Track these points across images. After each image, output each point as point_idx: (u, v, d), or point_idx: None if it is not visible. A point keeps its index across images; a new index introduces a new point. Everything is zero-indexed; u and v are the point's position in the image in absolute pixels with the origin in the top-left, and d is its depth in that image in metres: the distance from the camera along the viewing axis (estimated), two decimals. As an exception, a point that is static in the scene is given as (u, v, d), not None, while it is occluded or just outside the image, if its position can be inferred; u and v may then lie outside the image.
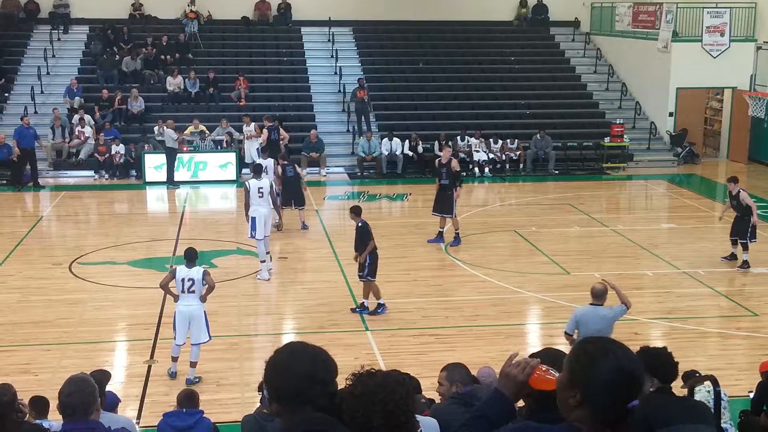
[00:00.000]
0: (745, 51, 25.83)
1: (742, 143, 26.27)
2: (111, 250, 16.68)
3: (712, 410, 6.23)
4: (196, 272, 10.65)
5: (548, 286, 14.62)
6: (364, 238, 13.00)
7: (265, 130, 22.60)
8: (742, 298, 14.02)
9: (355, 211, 13.26)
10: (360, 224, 13.05)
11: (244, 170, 23.33)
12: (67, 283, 14.61)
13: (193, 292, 10.60)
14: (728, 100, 26.89)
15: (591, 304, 9.61)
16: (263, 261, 14.88)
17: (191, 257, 10.87)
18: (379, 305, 13.04)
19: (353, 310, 13.05)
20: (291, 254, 16.69)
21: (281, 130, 23.19)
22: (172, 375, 10.72)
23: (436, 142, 23.80)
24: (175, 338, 10.73)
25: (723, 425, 7.13)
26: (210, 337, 10.80)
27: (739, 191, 15.64)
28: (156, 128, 23.77)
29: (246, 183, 15.34)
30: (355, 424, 3.32)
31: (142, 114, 25.02)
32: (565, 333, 9.67)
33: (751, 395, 8.73)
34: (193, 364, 10.65)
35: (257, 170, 15.79)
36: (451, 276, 15.23)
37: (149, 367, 11.12)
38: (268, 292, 14.40)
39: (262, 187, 15.04)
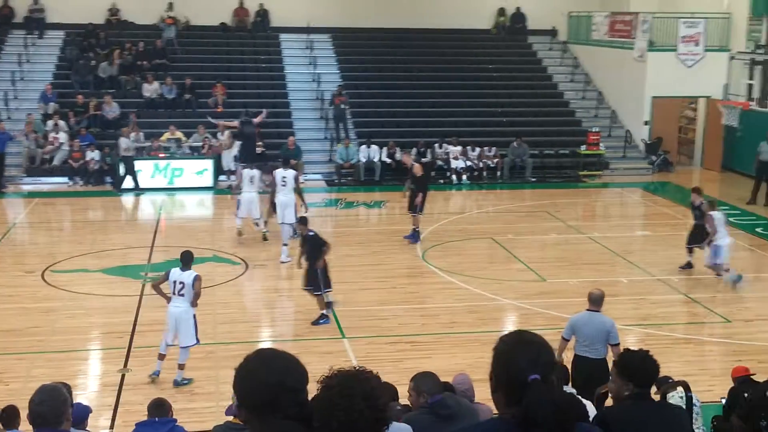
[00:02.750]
0: (719, 61, 26.10)
1: (716, 152, 26.51)
2: (85, 257, 16.54)
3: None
4: (188, 276, 10.73)
5: (525, 293, 14.66)
6: (317, 246, 12.92)
7: (236, 122, 23.22)
8: (715, 305, 14.13)
9: (303, 222, 13.56)
10: (310, 234, 13.01)
11: (221, 177, 23.26)
12: (40, 291, 14.46)
13: (183, 295, 10.70)
14: (702, 109, 27.14)
15: (588, 309, 9.58)
16: (285, 244, 16.30)
17: (186, 260, 10.97)
18: (322, 316, 12.98)
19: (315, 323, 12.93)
20: (268, 261, 16.62)
21: (259, 117, 23.45)
22: (155, 374, 10.74)
23: (414, 149, 23.83)
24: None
25: (696, 431, 7.16)
26: (198, 341, 10.85)
27: (701, 203, 15.75)
28: (132, 134, 23.69)
29: (273, 172, 17.04)
30: (334, 416, 3.33)
31: (117, 120, 24.86)
32: (562, 338, 9.61)
33: (723, 401, 8.79)
34: (180, 366, 10.71)
35: (286, 162, 18.57)
36: (428, 283, 15.24)
37: (123, 376, 11.02)
38: (245, 300, 14.33)
39: (285, 177, 16.63)
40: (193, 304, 10.75)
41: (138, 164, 22.70)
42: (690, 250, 15.92)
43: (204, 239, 18.16)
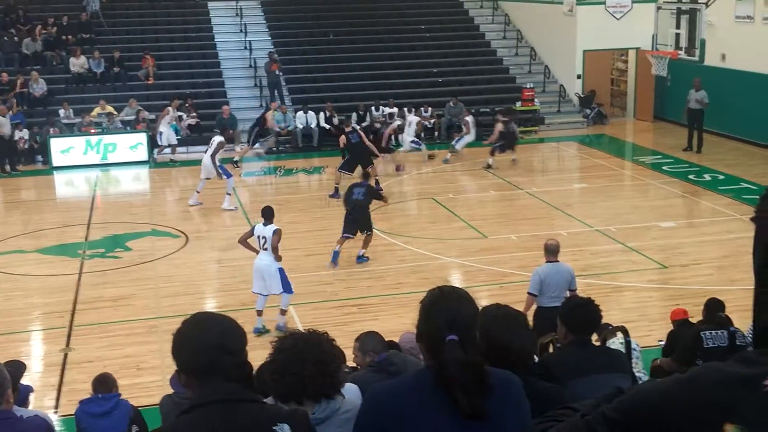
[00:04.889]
0: (646, 11, 26.39)
1: (648, 102, 26.95)
2: (20, 238, 16.19)
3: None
4: (269, 230, 11.28)
5: (467, 250, 14.80)
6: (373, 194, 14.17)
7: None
8: (652, 252, 14.45)
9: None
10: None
11: (155, 150, 22.90)
12: (-25, 275, 14.13)
13: (266, 249, 11.27)
14: (633, 60, 27.52)
15: (549, 261, 9.73)
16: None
17: (267, 215, 11.46)
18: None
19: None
20: (208, 233, 16.48)
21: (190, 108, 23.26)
22: (255, 331, 11.07)
23: (354, 114, 23.75)
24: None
25: (636, 374, 7.34)
26: (283, 290, 11.28)
27: None
28: (62, 111, 23.14)
29: None
30: (284, 383, 3.34)
31: (45, 97, 24.23)
32: (529, 293, 9.71)
33: (662, 344, 9.03)
34: (282, 312, 11.37)
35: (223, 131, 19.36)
36: (371, 246, 15.23)
37: (65, 355, 10.87)
38: (187, 272, 14.19)
39: None
40: (277, 259, 11.28)
41: (69, 141, 22.22)
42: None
43: (141, 214, 17.90)
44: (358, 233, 14.09)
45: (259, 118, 22.98)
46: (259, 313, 11.41)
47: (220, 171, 17.66)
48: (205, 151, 17.97)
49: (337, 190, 18.08)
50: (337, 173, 18.56)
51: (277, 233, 11.27)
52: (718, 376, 1.48)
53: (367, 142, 18.63)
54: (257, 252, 11.46)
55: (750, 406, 1.41)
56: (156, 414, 6.80)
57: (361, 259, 14.19)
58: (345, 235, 13.99)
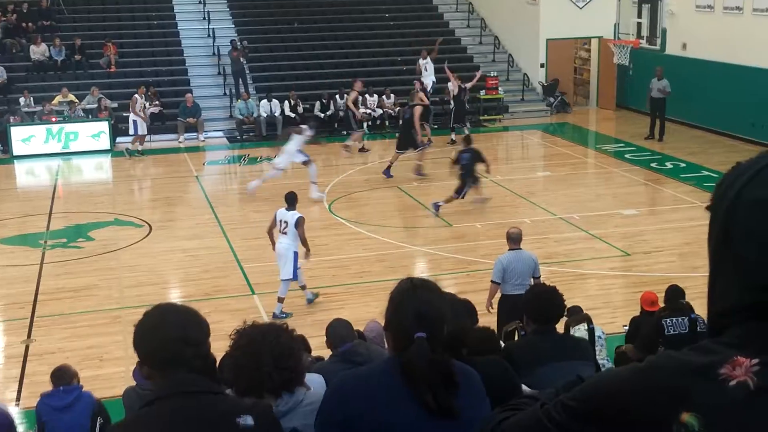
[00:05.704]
0: (609, 1, 26.61)
1: (610, 91, 27.17)
2: (-21, 228, 15.94)
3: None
4: (292, 216, 11.35)
5: (432, 239, 14.85)
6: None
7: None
8: (615, 240, 14.60)
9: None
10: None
11: (119, 139, 22.63)
12: (-66, 266, 13.90)
13: (286, 233, 11.33)
14: (595, 49, 27.71)
15: (511, 249, 9.78)
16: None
17: (290, 201, 11.51)
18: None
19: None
20: (171, 222, 16.36)
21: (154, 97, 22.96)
22: (275, 317, 11.20)
23: (318, 102, 23.66)
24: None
25: (600, 361, 7.43)
26: (292, 276, 11.37)
27: None
28: (22, 99, 22.79)
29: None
30: (242, 378, 3.32)
31: (5, 85, 23.83)
32: (493, 282, 9.76)
33: (626, 329, 9.13)
34: (279, 300, 11.38)
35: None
36: (337, 234, 15.25)
37: (27, 346, 10.74)
38: (150, 262, 14.07)
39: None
40: (305, 245, 11.38)
41: (30, 129, 21.91)
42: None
43: (104, 203, 17.71)
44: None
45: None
46: (280, 299, 11.46)
47: (304, 158, 17.35)
48: (288, 144, 17.33)
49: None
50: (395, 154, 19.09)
51: (300, 222, 11.31)
52: (674, 365, 1.50)
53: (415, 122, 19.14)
54: (274, 245, 11.54)
55: (705, 395, 1.43)
56: (120, 406, 6.75)
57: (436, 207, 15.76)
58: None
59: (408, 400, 2.69)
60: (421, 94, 20.43)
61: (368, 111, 24.11)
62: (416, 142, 19.02)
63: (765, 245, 1.45)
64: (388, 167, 18.99)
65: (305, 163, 17.32)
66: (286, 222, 11.39)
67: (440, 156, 20.03)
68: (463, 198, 15.98)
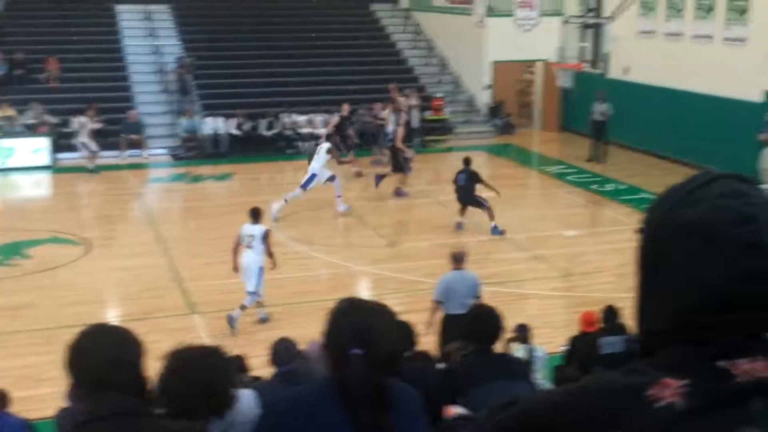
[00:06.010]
0: (553, 25, 27.07)
1: (554, 113, 27.58)
2: None
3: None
4: (258, 230, 11.57)
5: (375, 258, 14.85)
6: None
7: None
8: (556, 260, 14.76)
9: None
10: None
11: (58, 155, 22.21)
12: None
13: (252, 247, 11.49)
14: (540, 72, 28.13)
15: (454, 269, 9.80)
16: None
17: (255, 215, 11.67)
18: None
19: None
20: (111, 240, 16.09)
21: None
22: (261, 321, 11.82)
23: (263, 121, 23.55)
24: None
25: (539, 381, 7.48)
26: (255, 290, 11.56)
27: None
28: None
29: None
30: (174, 401, 3.25)
31: (-58, 99, 23.25)
32: (434, 301, 9.77)
33: (565, 349, 9.22)
34: (242, 307, 11.55)
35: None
36: (279, 253, 15.07)
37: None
38: (88, 280, 13.80)
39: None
40: (271, 258, 11.63)
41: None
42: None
43: (41, 220, 17.34)
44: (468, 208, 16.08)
45: (344, 123, 22.17)
46: (259, 304, 11.83)
47: (329, 174, 17.47)
48: (313, 160, 17.55)
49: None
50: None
51: (267, 235, 11.58)
52: (605, 386, 1.51)
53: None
54: (236, 268, 11.69)
55: (635, 416, 1.44)
56: (53, 428, 6.58)
57: (495, 230, 15.90)
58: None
59: (342, 420, 2.66)
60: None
61: (314, 131, 24.06)
62: (405, 166, 19.11)
63: (692, 269, 1.47)
64: (382, 176, 19.15)
65: (330, 179, 17.31)
66: (252, 236, 11.51)
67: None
68: (489, 209, 16.15)
